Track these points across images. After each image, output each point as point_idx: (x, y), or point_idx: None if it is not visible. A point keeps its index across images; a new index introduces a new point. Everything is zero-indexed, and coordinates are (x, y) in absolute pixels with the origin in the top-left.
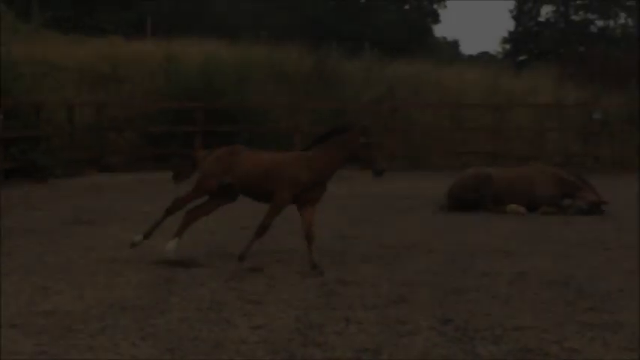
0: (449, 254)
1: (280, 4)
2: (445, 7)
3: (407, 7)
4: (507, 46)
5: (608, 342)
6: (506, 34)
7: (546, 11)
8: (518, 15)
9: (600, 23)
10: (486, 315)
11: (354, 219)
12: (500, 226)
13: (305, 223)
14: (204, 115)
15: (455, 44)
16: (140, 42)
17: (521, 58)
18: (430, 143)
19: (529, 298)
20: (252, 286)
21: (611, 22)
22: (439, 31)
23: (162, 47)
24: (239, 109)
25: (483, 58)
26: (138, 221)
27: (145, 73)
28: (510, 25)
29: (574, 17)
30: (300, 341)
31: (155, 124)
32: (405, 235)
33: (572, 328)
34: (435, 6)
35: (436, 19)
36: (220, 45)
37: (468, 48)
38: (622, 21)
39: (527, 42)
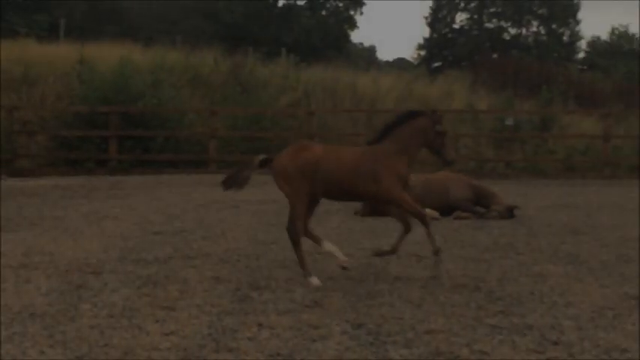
0: (363, 259)
1: (196, 8)
2: (362, 13)
3: (324, 12)
4: (422, 53)
5: (517, 344)
6: (421, 41)
7: (461, 19)
8: (434, 22)
9: (513, 31)
10: (399, 319)
11: (269, 223)
12: (414, 230)
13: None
14: (118, 119)
15: (371, 50)
16: (53, 45)
17: (436, 64)
18: None
19: (441, 301)
20: (164, 292)
21: (524, 30)
22: (356, 37)
23: (75, 50)
24: (154, 113)
25: (399, 64)
26: (49, 227)
27: (58, 76)
28: (426, 31)
29: (488, 25)
30: (213, 347)
31: (68, 128)
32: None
33: (483, 331)
34: (352, 12)
35: (353, 25)
36: (135, 49)
37: (384, 54)
38: (534, 29)
39: (441, 48)
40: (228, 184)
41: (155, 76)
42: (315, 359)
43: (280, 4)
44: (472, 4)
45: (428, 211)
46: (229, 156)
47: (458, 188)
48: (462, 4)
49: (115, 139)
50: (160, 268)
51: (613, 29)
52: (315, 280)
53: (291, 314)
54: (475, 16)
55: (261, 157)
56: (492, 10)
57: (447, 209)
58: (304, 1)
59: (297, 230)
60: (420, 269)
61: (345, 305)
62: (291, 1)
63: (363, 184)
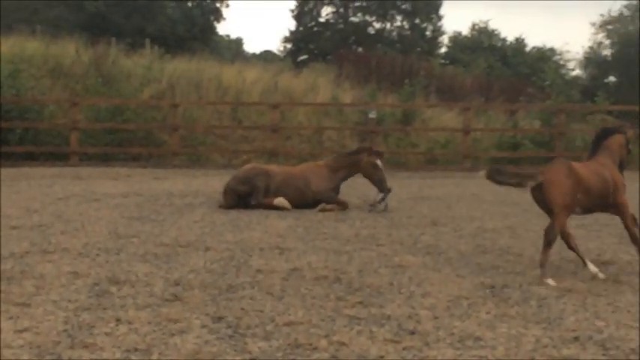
0: (225, 252)
1: None
2: (228, 5)
3: (189, 3)
4: (289, 46)
5: (374, 335)
6: (287, 34)
7: (327, 12)
8: (300, 15)
9: (378, 25)
10: (259, 311)
11: (131, 217)
12: (277, 223)
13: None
14: None
15: (238, 42)
16: None
17: (302, 57)
18: (211, 141)
19: (302, 293)
20: (19, 287)
21: (388, 25)
22: (222, 29)
23: None
24: (13, 104)
25: (266, 56)
26: None
27: None
28: (292, 24)
29: (353, 19)
30: (68, 343)
31: None
32: (183, 233)
33: (341, 322)
34: (218, 4)
35: (219, 16)
36: None
37: (251, 46)
38: (398, 23)
39: (307, 42)
40: (496, 176)
41: (14, 65)
42: (173, 353)
43: None
44: None
45: (280, 199)
46: (91, 148)
47: (319, 180)
48: None
49: None
50: (16, 263)
51: (474, 25)
52: (551, 282)
53: (150, 309)
54: (341, 10)
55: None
56: (357, 4)
57: (310, 202)
58: None
59: (555, 235)
60: (282, 261)
61: (206, 299)
62: None
63: (609, 197)
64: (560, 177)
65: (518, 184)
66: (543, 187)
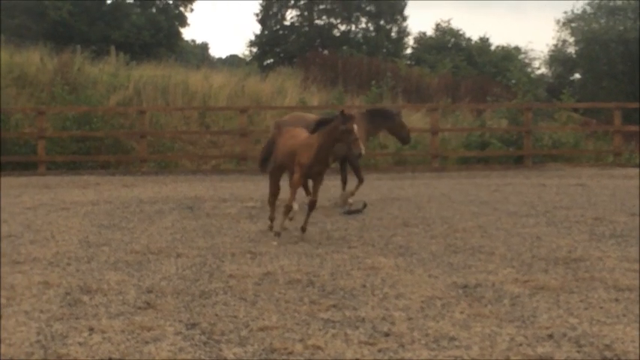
0: (197, 258)
1: (22, 5)
2: (192, 10)
3: (154, 9)
4: (254, 50)
5: (349, 337)
6: (253, 38)
7: (291, 15)
8: (264, 19)
9: (343, 27)
10: (233, 317)
11: (101, 225)
12: (248, 227)
13: None
14: None
15: (204, 47)
16: None
17: (268, 61)
18: (179, 147)
19: (275, 298)
20: None
21: (353, 27)
22: (188, 34)
23: None
24: None
25: (232, 61)
26: None
27: None
28: (257, 28)
29: (318, 21)
30: (41, 355)
31: None
32: (154, 240)
33: (316, 325)
34: (182, 9)
35: (183, 22)
36: None
37: (217, 51)
38: (363, 25)
39: (273, 45)
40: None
41: None
42: None
43: (109, 1)
44: (302, 1)
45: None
46: (59, 157)
47: None
48: (292, 1)
49: None
50: None
51: (437, 25)
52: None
53: (123, 317)
54: (305, 13)
55: None
56: (322, 7)
57: None
58: None
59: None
60: (255, 266)
61: (179, 305)
62: None
63: None
64: None
65: None
66: None
